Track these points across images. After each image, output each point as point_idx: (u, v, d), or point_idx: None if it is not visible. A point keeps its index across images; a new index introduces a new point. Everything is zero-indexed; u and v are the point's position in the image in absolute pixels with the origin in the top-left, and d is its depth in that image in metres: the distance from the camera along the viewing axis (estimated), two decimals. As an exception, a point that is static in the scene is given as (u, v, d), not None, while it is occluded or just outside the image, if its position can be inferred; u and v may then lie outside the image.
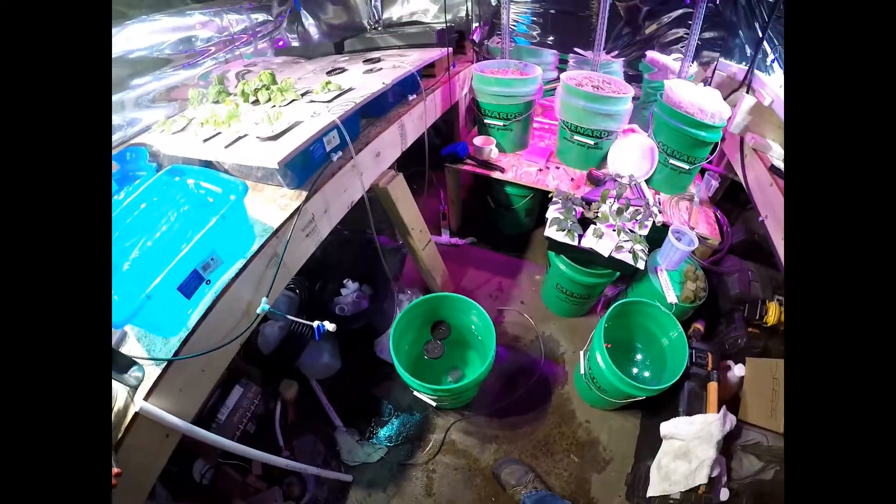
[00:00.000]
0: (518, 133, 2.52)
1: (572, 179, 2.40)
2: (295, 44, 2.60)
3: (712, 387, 1.86)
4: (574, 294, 2.36)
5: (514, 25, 2.74)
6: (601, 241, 1.96)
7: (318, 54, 2.56)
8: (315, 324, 1.29)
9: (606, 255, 1.92)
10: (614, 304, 1.98)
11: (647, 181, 2.39)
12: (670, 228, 2.05)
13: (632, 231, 2.01)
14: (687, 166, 2.28)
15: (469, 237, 2.94)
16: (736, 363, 2.05)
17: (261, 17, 2.37)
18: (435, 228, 2.89)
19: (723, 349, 2.17)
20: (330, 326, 1.31)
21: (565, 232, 1.96)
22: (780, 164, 2.09)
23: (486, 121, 2.48)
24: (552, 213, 2.06)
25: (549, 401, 2.24)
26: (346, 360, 2.33)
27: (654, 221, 2.15)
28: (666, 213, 2.29)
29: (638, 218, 2.02)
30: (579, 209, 2.08)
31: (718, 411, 1.72)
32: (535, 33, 2.78)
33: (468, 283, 2.74)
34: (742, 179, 2.26)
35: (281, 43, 2.54)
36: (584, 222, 2.06)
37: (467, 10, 2.74)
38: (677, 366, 1.88)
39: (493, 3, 2.77)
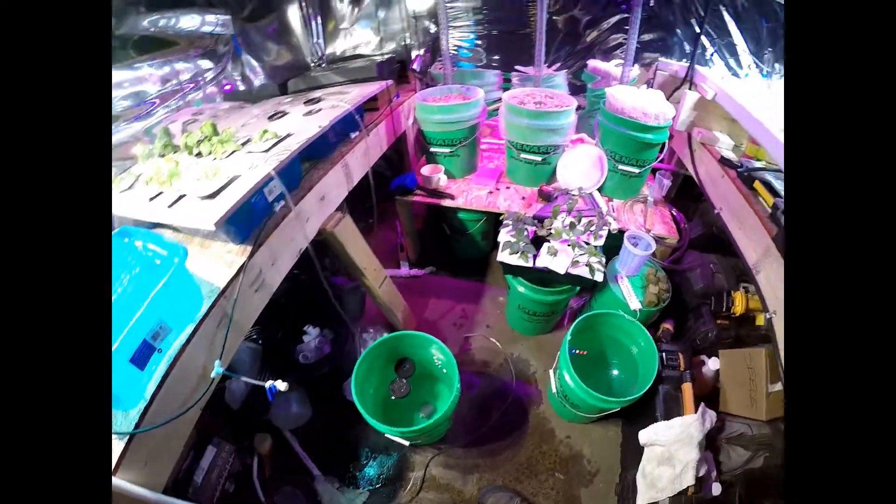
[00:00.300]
0: (466, 158, 2.48)
1: (523, 198, 2.36)
2: (242, 87, 2.56)
3: (687, 388, 1.82)
4: (537, 313, 2.29)
5: (455, 50, 2.76)
6: (556, 259, 1.91)
7: (263, 97, 2.51)
8: (267, 384, 1.24)
9: (563, 272, 1.88)
10: (577, 320, 1.92)
11: (599, 189, 2.36)
12: (626, 235, 2.02)
13: (587, 244, 1.98)
14: (637, 170, 2.27)
15: (428, 267, 2.87)
16: (710, 357, 2.02)
17: (207, 63, 2.34)
18: (393, 261, 2.84)
19: (694, 345, 2.11)
20: (281, 386, 1.24)
21: (518, 254, 1.91)
22: (730, 155, 2.07)
23: (432, 149, 2.43)
24: (503, 236, 2.01)
25: (527, 422, 2.18)
26: (317, 407, 2.25)
27: (609, 230, 2.14)
28: (621, 219, 2.27)
29: (592, 229, 2.01)
30: (532, 228, 2.03)
31: (696, 411, 1.70)
32: (480, 55, 2.81)
33: (431, 313, 2.66)
34: (694, 174, 2.24)
35: (228, 87, 2.48)
36: (539, 241, 2.01)
37: (404, 39, 2.75)
38: (649, 371, 1.84)
39: (433, 31, 2.81)
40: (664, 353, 1.91)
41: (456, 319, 2.60)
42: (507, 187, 2.46)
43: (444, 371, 1.98)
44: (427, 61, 2.84)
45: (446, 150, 2.41)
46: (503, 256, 1.95)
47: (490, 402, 2.27)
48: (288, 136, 1.65)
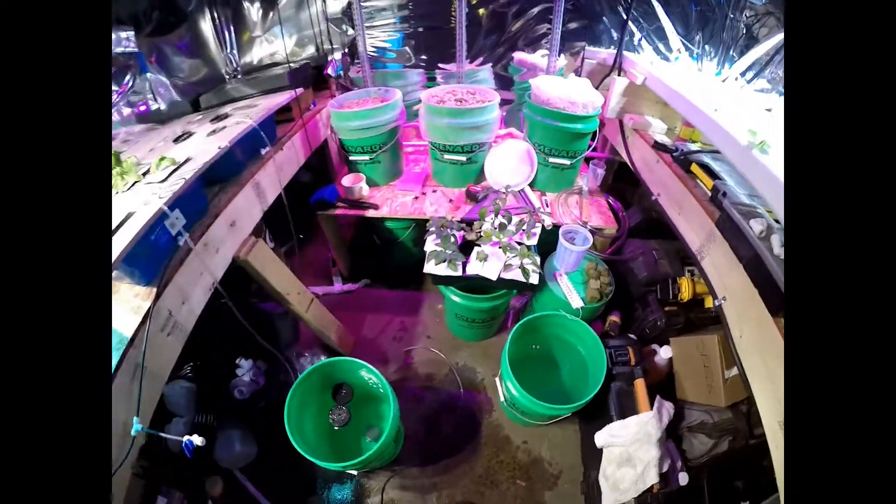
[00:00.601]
0: (388, 164, 2.26)
1: (451, 201, 2.16)
2: (157, 107, 2.29)
3: (639, 384, 1.69)
4: (476, 320, 2.10)
5: (375, 50, 2.54)
6: (487, 265, 1.71)
7: (175, 116, 2.24)
8: (183, 440, 1.13)
9: (495, 278, 1.69)
10: (514, 328, 1.75)
11: (530, 184, 2.19)
12: (560, 231, 1.85)
13: (519, 244, 1.80)
14: (568, 161, 2.10)
15: (362, 280, 2.63)
16: (661, 346, 1.90)
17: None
18: (326, 278, 2.59)
19: (643, 334, 2.00)
20: (197, 440, 1.12)
21: (446, 263, 1.71)
22: (663, 139, 1.94)
23: (351, 157, 2.20)
24: (429, 245, 1.80)
25: (480, 432, 1.99)
26: (263, 443, 2.02)
27: (542, 226, 1.97)
28: (556, 214, 2.09)
29: (524, 228, 1.83)
30: (460, 234, 1.84)
31: (651, 406, 1.59)
32: (407, 55, 2.58)
33: (369, 329, 2.42)
34: (629, 162, 2.10)
35: (143, 108, 2.21)
36: (469, 246, 1.81)
37: (318, 44, 2.49)
38: (599, 369, 1.70)
39: (349, 33, 2.57)
40: (612, 350, 1.78)
41: (395, 333, 2.36)
42: (434, 191, 2.25)
43: (382, 391, 1.76)
44: (347, 65, 2.59)
45: (366, 157, 2.17)
46: (430, 267, 1.74)
47: (440, 415, 2.07)
48: (187, 161, 1.41)
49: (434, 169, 2.31)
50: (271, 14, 2.44)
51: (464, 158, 2.10)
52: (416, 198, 2.18)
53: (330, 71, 2.44)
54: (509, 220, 1.81)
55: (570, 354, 1.96)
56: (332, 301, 2.46)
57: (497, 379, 1.89)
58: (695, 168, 1.60)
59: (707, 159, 1.56)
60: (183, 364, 1.95)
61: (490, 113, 2.02)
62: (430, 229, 1.78)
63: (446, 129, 2.00)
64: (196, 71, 2.42)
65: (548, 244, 1.94)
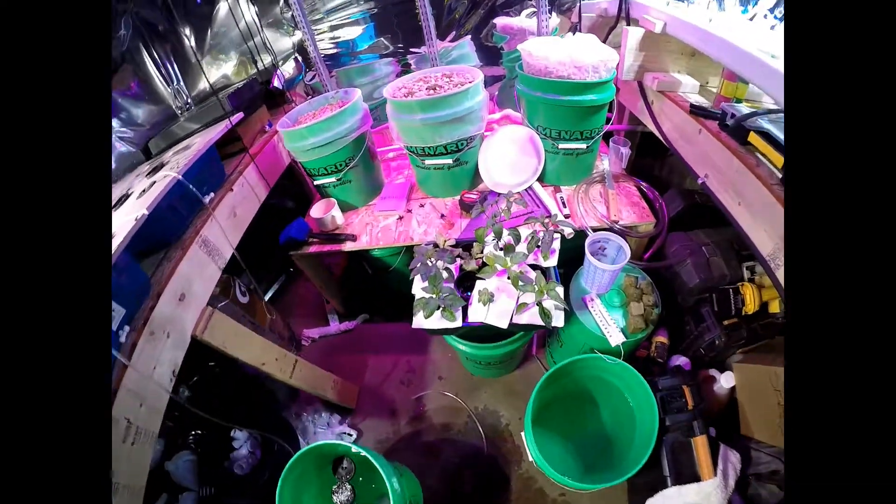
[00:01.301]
0: (361, 181, 1.70)
1: (442, 216, 1.60)
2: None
3: (701, 443, 1.21)
4: (492, 363, 1.59)
5: (332, 48, 1.95)
6: (494, 308, 1.17)
7: (127, 170, 1.75)
8: None
9: (505, 325, 1.15)
10: (539, 383, 1.24)
11: (539, 179, 1.62)
12: (587, 243, 1.29)
13: (535, 267, 1.25)
14: (584, 145, 1.51)
15: (360, 315, 2.11)
16: (722, 371, 1.40)
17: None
18: (321, 317, 2.09)
19: (698, 355, 1.48)
20: None
21: (441, 312, 1.18)
22: (699, 100, 1.33)
23: (316, 182, 1.67)
24: (416, 289, 1.28)
25: (509, 487, 1.51)
26: None
27: (563, 235, 1.40)
28: (576, 214, 1.52)
29: (539, 244, 1.26)
30: (455, 264, 1.30)
31: (715, 468, 1.18)
32: (383, 45, 1.99)
33: (373, 375, 1.90)
34: (659, 135, 1.50)
35: None
36: (469, 278, 1.29)
37: (255, 56, 1.88)
38: (648, 417, 1.22)
39: (291, 37, 1.98)
40: (665, 395, 1.29)
41: (403, 376, 1.85)
42: (421, 205, 1.69)
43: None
44: (302, 71, 2.01)
45: (332, 179, 1.63)
46: (419, 321, 1.21)
47: (462, 471, 1.58)
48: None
49: (418, 177, 1.74)
50: (207, 34, 1.87)
51: (450, 161, 1.54)
52: (401, 218, 1.64)
53: (276, 83, 1.86)
54: (517, 239, 1.24)
55: (612, 395, 1.44)
56: (330, 344, 1.97)
57: (523, 435, 1.36)
58: (754, 139, 1.02)
59: (767, 125, 0.98)
60: (185, 432, 1.60)
61: (473, 97, 1.44)
62: (414, 267, 1.21)
63: (421, 127, 1.44)
64: (151, 114, 1.90)
65: (571, 251, 1.40)
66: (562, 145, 1.50)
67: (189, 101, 1.96)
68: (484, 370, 1.71)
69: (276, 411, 1.80)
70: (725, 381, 1.37)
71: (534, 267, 1.27)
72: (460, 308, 1.17)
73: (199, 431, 1.66)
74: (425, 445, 1.65)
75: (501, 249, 1.29)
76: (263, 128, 1.82)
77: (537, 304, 1.15)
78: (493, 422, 1.65)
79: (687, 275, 1.44)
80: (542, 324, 1.14)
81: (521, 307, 1.15)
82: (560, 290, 1.16)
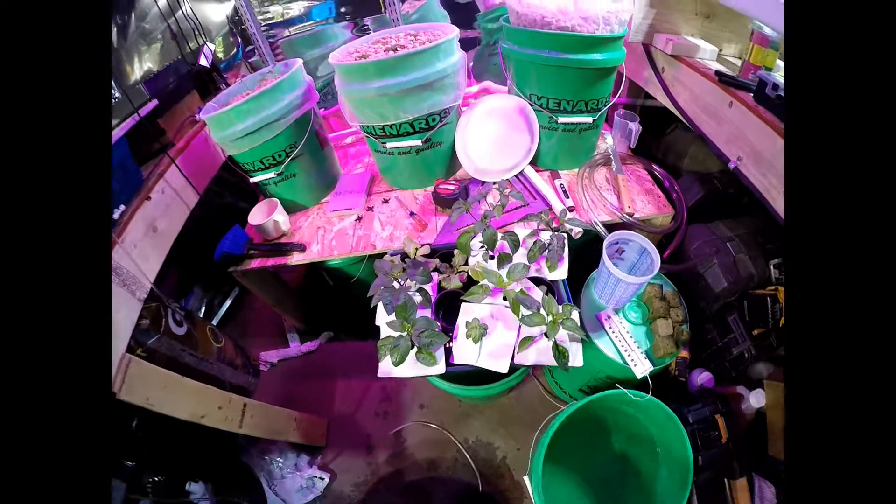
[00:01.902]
0: (309, 174, 1.25)
1: (412, 215, 1.17)
2: None
3: (740, 486, 0.97)
4: (484, 396, 1.20)
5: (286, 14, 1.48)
6: (488, 343, 0.79)
7: None
8: None
9: (506, 370, 0.77)
10: (546, 434, 0.86)
11: (532, 162, 1.21)
12: (605, 245, 0.90)
13: (537, 282, 0.86)
14: (589, 118, 1.11)
15: (323, 333, 1.65)
16: (751, 389, 1.10)
17: None
18: (281, 338, 1.64)
19: (723, 370, 1.15)
20: None
21: (416, 353, 0.79)
22: (723, 69, 0.95)
23: (253, 179, 1.21)
24: (380, 321, 0.87)
25: None
26: None
27: (570, 235, 1.01)
28: (581, 207, 1.13)
29: (546, 252, 0.87)
30: (431, 284, 0.90)
31: None
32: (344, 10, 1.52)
33: (343, 404, 1.47)
34: (675, 108, 1.11)
35: None
36: (449, 299, 0.90)
37: (178, 35, 1.41)
38: (676, 458, 0.91)
39: (228, 14, 1.51)
40: (696, 428, 0.99)
41: (377, 406, 1.43)
42: (386, 200, 1.26)
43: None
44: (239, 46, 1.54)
45: (271, 174, 1.18)
46: (386, 368, 0.79)
47: None
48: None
49: (380, 165, 1.30)
50: (132, 16, 1.39)
51: (418, 143, 1.10)
52: (360, 219, 1.20)
53: (203, 61, 1.39)
54: (515, 245, 0.83)
55: (629, 424, 1.08)
56: (291, 368, 1.56)
57: (526, 479, 0.99)
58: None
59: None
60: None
61: (446, 57, 1.02)
62: (375, 290, 0.80)
63: (379, 99, 1.01)
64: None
65: (572, 251, 0.99)
66: (562, 119, 1.09)
67: (118, 97, 1.49)
68: (476, 397, 1.31)
69: (233, 454, 1.40)
70: (755, 399, 1.07)
71: (536, 281, 0.87)
72: (441, 349, 0.77)
73: (157, 478, 1.25)
74: (410, 486, 1.27)
75: (492, 258, 0.89)
76: (193, 118, 1.37)
77: (545, 336, 0.76)
78: (486, 455, 1.28)
79: (713, 278, 1.09)
80: (555, 362, 0.75)
81: (524, 342, 0.76)
82: (576, 315, 0.77)
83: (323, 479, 1.35)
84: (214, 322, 1.75)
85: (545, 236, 0.91)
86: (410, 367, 0.78)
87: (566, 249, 0.87)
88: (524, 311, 0.76)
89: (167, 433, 1.26)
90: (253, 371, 1.60)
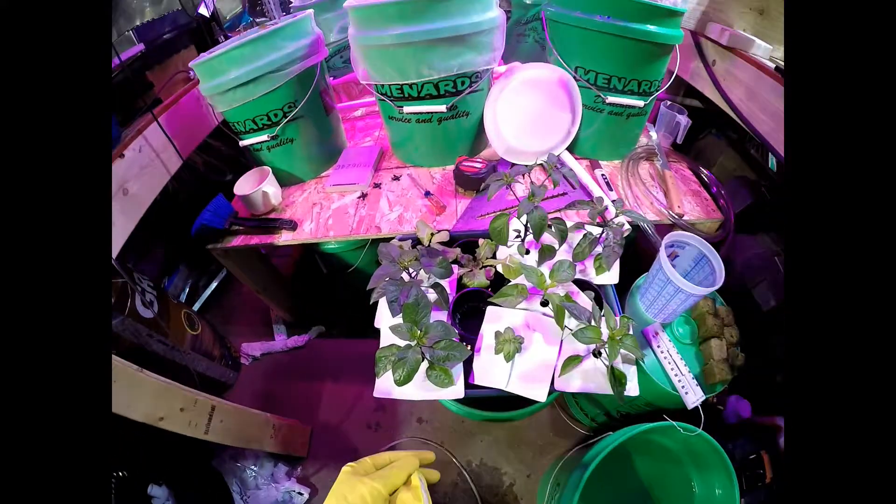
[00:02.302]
0: (309, 140, 1.02)
1: (427, 194, 0.94)
2: None
3: None
4: (499, 420, 0.99)
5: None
6: (521, 361, 0.58)
7: None
8: None
9: (543, 398, 0.55)
10: (592, 466, 0.64)
11: (569, 148, 1.00)
12: (663, 245, 0.70)
13: (583, 285, 0.65)
14: (641, 102, 0.90)
15: (314, 327, 1.40)
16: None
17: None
18: (266, 328, 1.41)
19: (762, 397, 0.93)
20: None
21: (428, 370, 0.55)
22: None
23: (243, 142, 0.99)
24: (380, 323, 0.66)
25: None
26: None
27: (622, 232, 0.80)
28: (626, 202, 0.93)
29: (602, 249, 0.66)
30: (450, 279, 0.68)
31: None
32: None
33: (330, 411, 1.23)
34: (728, 105, 0.89)
35: None
36: (472, 299, 0.69)
37: None
38: (720, 499, 0.73)
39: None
40: (739, 465, 0.78)
41: (369, 416, 1.20)
42: (396, 177, 1.03)
43: None
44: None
45: (264, 136, 0.96)
46: (385, 385, 0.58)
47: None
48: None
49: (393, 137, 1.07)
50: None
51: (442, 108, 0.88)
52: (364, 196, 0.98)
53: (203, 10, 1.16)
54: (563, 237, 0.61)
55: (660, 456, 0.86)
56: (275, 363, 1.33)
57: None
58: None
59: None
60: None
61: (485, 9, 0.81)
62: (377, 281, 0.58)
63: (398, 49, 0.79)
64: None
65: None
66: (611, 99, 0.88)
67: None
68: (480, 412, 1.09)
69: (202, 457, 1.17)
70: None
71: (580, 286, 0.66)
72: (457, 366, 0.56)
73: (122, 473, 1.02)
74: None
75: (527, 252, 0.67)
76: (187, 74, 1.15)
77: (595, 355, 0.55)
78: (491, 481, 1.05)
79: (761, 296, 0.90)
80: (610, 392, 0.54)
81: (570, 363, 0.55)
82: (630, 332, 0.56)
83: (302, 494, 1.13)
84: (197, 306, 1.52)
85: (592, 230, 0.70)
86: (418, 388, 0.56)
87: (619, 242, 0.66)
88: (571, 323, 0.55)
89: (129, 425, 1.05)
90: (233, 364, 1.37)
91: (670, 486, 0.87)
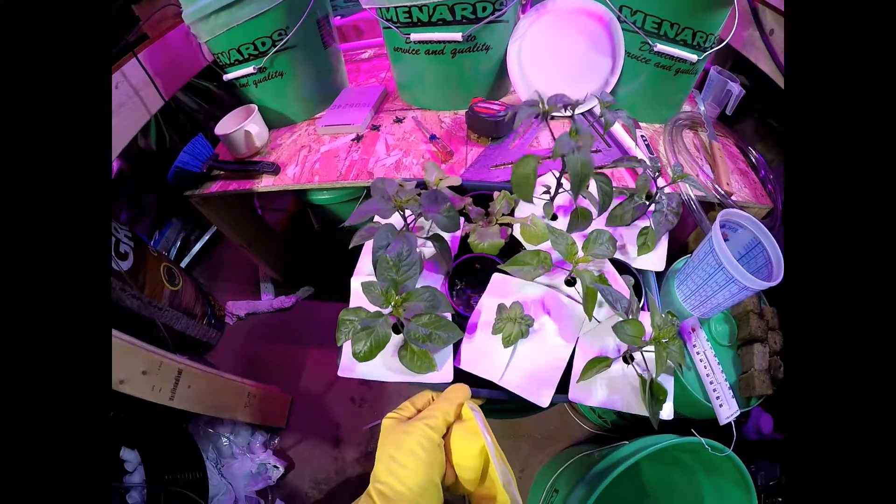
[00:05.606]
0: (302, 74, 0.84)
1: (434, 139, 0.76)
2: None
3: None
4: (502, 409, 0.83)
5: None
6: (524, 354, 0.42)
7: None
8: None
9: (546, 403, 0.39)
10: (604, 469, 0.50)
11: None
12: (716, 222, 0.52)
13: (621, 267, 0.49)
14: (694, 56, 0.70)
15: (302, 287, 1.23)
16: None
17: None
18: (252, 287, 1.26)
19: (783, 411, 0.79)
20: None
21: (401, 350, 0.41)
22: None
23: (228, 75, 0.81)
24: (355, 281, 0.50)
25: None
26: None
27: (678, 198, 0.62)
28: (666, 173, 0.77)
29: (652, 222, 0.49)
30: (454, 236, 0.52)
31: None
32: None
33: (313, 380, 1.09)
34: (783, 74, 0.73)
35: None
36: (478, 270, 0.53)
37: None
38: None
39: None
40: (762, 490, 0.65)
41: (353, 390, 1.05)
42: (399, 119, 0.85)
43: None
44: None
45: (250, 69, 0.78)
46: (349, 360, 0.41)
47: None
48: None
49: (399, 75, 0.88)
50: None
51: (457, 37, 0.69)
52: (359, 138, 0.80)
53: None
54: (608, 198, 0.45)
55: (670, 472, 0.71)
56: (260, 324, 1.19)
57: None
58: None
59: None
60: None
61: None
62: (359, 218, 0.43)
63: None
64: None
65: None
66: (660, 47, 0.70)
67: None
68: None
69: (176, 421, 1.04)
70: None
71: (618, 267, 0.50)
72: (448, 358, 0.41)
73: None
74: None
75: (555, 217, 0.51)
76: (179, 10, 0.98)
77: (625, 360, 0.40)
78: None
79: None
80: (639, 411, 0.39)
81: (594, 365, 0.39)
82: (675, 333, 0.40)
83: (277, 467, 1.01)
84: (186, 261, 1.38)
85: (661, 201, 0.53)
86: (386, 368, 0.41)
87: (672, 211, 0.49)
88: (603, 313, 0.40)
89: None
90: (216, 323, 1.24)
91: (676, 492, 0.73)
